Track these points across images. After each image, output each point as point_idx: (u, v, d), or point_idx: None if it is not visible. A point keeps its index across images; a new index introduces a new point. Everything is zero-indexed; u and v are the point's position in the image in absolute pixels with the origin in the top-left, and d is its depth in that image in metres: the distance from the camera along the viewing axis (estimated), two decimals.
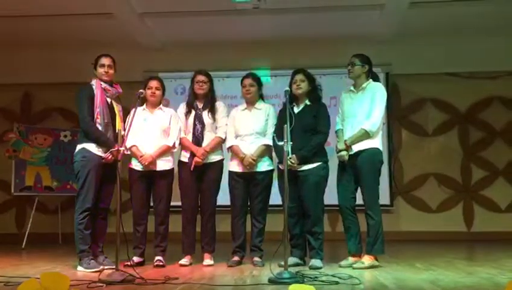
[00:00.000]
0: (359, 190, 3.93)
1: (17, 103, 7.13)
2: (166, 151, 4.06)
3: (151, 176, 4.04)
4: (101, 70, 3.93)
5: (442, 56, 6.68)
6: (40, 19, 5.94)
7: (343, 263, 3.86)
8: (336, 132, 4.08)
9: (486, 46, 6.57)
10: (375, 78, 4.05)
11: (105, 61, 3.94)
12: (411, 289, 2.84)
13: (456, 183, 6.76)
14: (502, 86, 6.78)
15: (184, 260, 4.01)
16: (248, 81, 4.18)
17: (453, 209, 6.71)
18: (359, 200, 3.92)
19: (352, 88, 4.06)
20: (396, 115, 6.86)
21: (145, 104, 4.16)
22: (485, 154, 6.78)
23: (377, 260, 3.83)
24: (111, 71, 3.96)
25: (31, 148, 6.20)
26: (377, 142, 3.90)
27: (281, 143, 3.41)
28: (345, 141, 3.90)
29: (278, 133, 3.88)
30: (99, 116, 3.81)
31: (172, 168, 4.13)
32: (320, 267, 3.73)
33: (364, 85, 3.97)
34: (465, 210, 6.70)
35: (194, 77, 4.20)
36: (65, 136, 6.43)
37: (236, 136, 4.15)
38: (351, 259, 3.87)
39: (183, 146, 4.16)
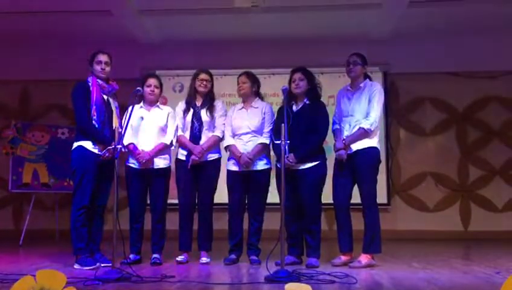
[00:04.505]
0: (355, 189, 3.92)
1: (14, 99, 7.10)
2: (163, 149, 4.05)
3: (148, 174, 4.04)
4: (97, 67, 3.90)
5: (440, 55, 6.66)
6: (38, 16, 5.91)
7: (335, 261, 3.86)
8: (333, 131, 4.07)
9: (484, 45, 6.57)
10: (369, 78, 4.07)
11: (102, 58, 3.91)
12: (407, 288, 2.85)
13: (453, 182, 6.76)
14: (500, 86, 6.77)
15: (181, 258, 4.01)
16: (241, 78, 4.19)
17: (450, 208, 6.71)
18: (355, 199, 3.92)
19: (348, 87, 4.05)
20: (394, 114, 6.85)
21: (142, 102, 4.14)
22: (483, 153, 6.78)
23: (373, 259, 3.83)
24: (107, 68, 3.93)
25: (29, 145, 6.17)
26: (375, 141, 3.90)
27: (278, 142, 3.41)
28: (343, 140, 3.90)
29: (276, 131, 3.88)
30: (95, 114, 3.79)
31: (170, 166, 4.14)
32: (317, 266, 3.74)
33: (361, 84, 3.97)
34: (462, 209, 6.71)
35: (197, 75, 4.18)
36: (62, 133, 6.41)
37: (233, 135, 4.15)
38: (343, 257, 3.88)
39: (180, 144, 4.16)
